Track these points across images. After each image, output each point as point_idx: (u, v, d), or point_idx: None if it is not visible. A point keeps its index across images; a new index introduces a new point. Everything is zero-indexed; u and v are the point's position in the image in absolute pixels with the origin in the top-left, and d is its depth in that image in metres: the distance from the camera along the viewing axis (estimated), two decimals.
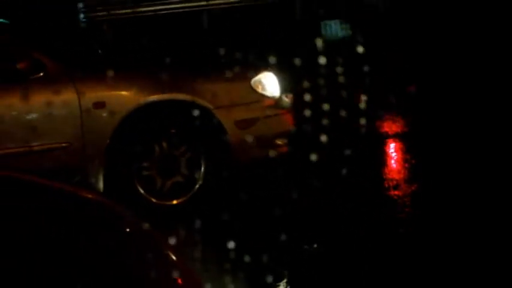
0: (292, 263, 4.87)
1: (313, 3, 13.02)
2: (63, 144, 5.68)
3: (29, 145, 5.63)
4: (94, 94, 5.73)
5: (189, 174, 5.85)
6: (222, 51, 6.58)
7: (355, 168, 6.59)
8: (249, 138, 5.82)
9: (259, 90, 6.01)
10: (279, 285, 4.58)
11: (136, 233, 2.56)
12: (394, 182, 6.33)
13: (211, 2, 12.72)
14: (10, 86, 5.69)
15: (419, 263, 4.77)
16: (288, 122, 6.10)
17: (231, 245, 4.62)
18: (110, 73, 5.79)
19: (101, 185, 5.65)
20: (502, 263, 4.68)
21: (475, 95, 9.07)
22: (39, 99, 5.65)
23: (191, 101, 5.81)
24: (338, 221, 5.60)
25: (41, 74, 5.71)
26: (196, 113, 5.77)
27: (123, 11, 12.25)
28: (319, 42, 10.22)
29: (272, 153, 5.91)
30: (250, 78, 6.01)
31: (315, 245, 5.16)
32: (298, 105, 6.65)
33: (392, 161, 7.39)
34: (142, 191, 5.77)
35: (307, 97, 7.00)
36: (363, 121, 7.46)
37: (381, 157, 7.41)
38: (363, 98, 8.18)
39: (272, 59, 6.49)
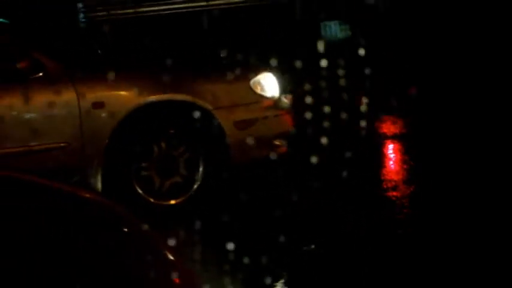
0: (291, 264, 4.87)
1: (313, 4, 13.02)
2: (62, 144, 5.68)
3: (28, 145, 5.63)
4: (93, 94, 5.73)
5: (188, 174, 5.85)
6: (221, 51, 6.58)
7: (355, 169, 6.59)
8: (248, 139, 5.82)
9: (259, 91, 6.01)
10: (277, 286, 4.58)
11: (135, 233, 2.56)
12: (394, 183, 6.33)
13: (211, 3, 12.71)
14: (10, 85, 5.68)
15: (418, 263, 4.77)
16: (287, 122, 6.10)
17: (230, 245, 4.62)
18: (110, 73, 5.79)
19: (99, 185, 5.65)
20: (501, 263, 4.68)
21: (475, 96, 9.07)
22: (39, 99, 5.65)
23: (190, 101, 5.81)
24: (337, 222, 5.61)
25: (41, 74, 5.71)
26: (195, 113, 5.77)
27: (123, 11, 12.24)
28: (320, 44, 10.21)
29: (271, 154, 5.91)
30: (250, 79, 6.01)
31: (313, 246, 5.16)
32: (297, 106, 6.65)
33: (392, 163, 7.39)
34: (140, 191, 5.77)
35: (307, 98, 6.99)
36: (362, 122, 7.46)
37: (380, 158, 7.41)
38: (364, 99, 8.18)
39: (272, 60, 6.49)
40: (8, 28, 6.17)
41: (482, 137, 7.50)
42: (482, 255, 4.80)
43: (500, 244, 4.94)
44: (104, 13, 12.25)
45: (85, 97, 5.69)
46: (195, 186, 5.84)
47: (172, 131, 5.84)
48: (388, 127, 8.39)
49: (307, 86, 7.56)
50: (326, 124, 6.60)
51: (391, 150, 7.80)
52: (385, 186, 6.26)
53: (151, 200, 5.79)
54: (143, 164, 5.80)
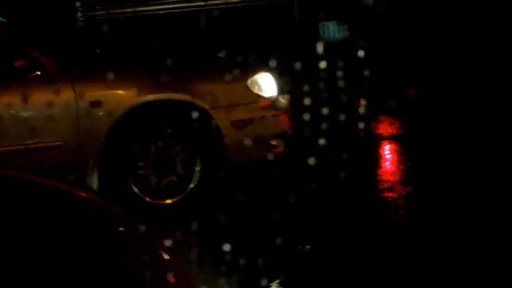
0: (287, 265, 4.86)
1: (311, 4, 13.01)
2: (59, 143, 5.68)
3: (25, 143, 5.63)
4: (91, 93, 5.73)
5: (184, 173, 5.86)
6: (219, 51, 6.57)
7: (351, 170, 6.59)
8: (245, 139, 5.82)
9: (256, 90, 6.01)
10: (273, 287, 4.58)
11: (131, 232, 2.56)
12: (390, 184, 6.33)
13: (209, 2, 12.70)
14: (7, 84, 5.68)
15: (414, 264, 4.77)
16: (284, 122, 6.10)
17: (225, 246, 4.62)
18: (107, 72, 5.79)
19: (95, 183, 5.65)
20: (497, 263, 4.69)
21: (472, 96, 9.07)
22: (36, 97, 5.65)
23: (187, 100, 5.81)
24: (334, 223, 5.60)
25: (39, 72, 5.71)
26: (192, 113, 5.77)
27: (122, 10, 12.23)
28: (318, 44, 10.21)
29: (268, 153, 5.90)
30: (247, 79, 6.01)
31: (308, 246, 5.16)
32: (294, 106, 6.65)
33: (388, 163, 7.39)
34: (136, 190, 5.77)
35: (304, 99, 6.99)
36: (360, 123, 7.46)
37: (377, 159, 7.41)
38: (362, 101, 8.18)
39: (269, 60, 6.49)
40: (6, 26, 6.17)
41: (479, 137, 7.50)
42: (478, 255, 4.80)
43: (497, 244, 4.95)
44: (103, 12, 12.24)
45: (82, 96, 5.69)
46: (192, 186, 5.85)
47: (169, 130, 5.84)
48: (385, 128, 8.39)
49: (304, 87, 7.55)
50: (323, 125, 6.60)
51: (387, 151, 7.80)
52: (381, 187, 6.26)
53: (147, 199, 5.79)
54: (140, 163, 5.80)
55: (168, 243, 2.56)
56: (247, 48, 7.46)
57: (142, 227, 2.55)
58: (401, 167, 6.98)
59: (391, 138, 7.98)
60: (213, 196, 5.85)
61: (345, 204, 5.93)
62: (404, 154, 7.42)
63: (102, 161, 5.68)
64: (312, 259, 5.00)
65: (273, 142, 5.96)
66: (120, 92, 5.82)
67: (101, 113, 5.69)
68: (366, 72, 8.11)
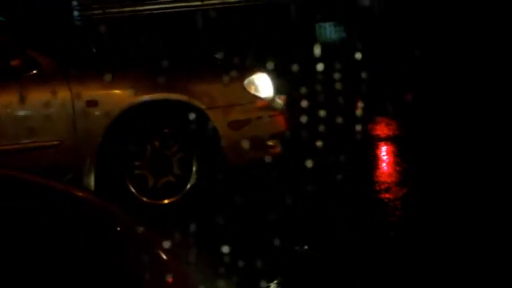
0: (285, 266, 4.86)
1: (308, 5, 13.00)
2: (55, 142, 5.67)
3: (21, 142, 5.62)
4: (87, 92, 5.72)
5: (181, 174, 5.85)
6: (215, 51, 6.57)
7: (348, 171, 6.59)
8: (242, 139, 5.81)
9: (252, 91, 6.01)
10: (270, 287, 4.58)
11: (128, 232, 2.55)
12: (387, 185, 6.34)
13: (205, 2, 12.70)
14: (4, 83, 5.67)
15: (411, 265, 4.77)
16: (280, 123, 6.10)
17: (222, 246, 4.61)
18: (104, 72, 5.79)
19: (92, 183, 5.64)
20: (494, 264, 4.69)
21: (469, 97, 9.08)
22: (33, 96, 5.64)
23: (184, 101, 5.80)
24: (331, 224, 5.60)
25: (35, 71, 5.70)
26: (189, 113, 5.77)
27: (119, 10, 12.22)
28: (315, 45, 10.21)
29: (265, 154, 5.90)
30: (244, 79, 6.01)
31: (306, 247, 5.16)
32: (291, 107, 6.64)
33: (385, 165, 7.39)
34: (133, 190, 5.77)
35: (301, 100, 6.99)
36: (356, 125, 7.46)
37: (374, 160, 7.41)
38: (359, 103, 8.18)
39: (266, 61, 6.49)
40: (3, 25, 6.16)
41: (476, 139, 7.51)
42: (475, 256, 4.80)
43: (495, 245, 4.95)
44: (99, 11, 12.24)
45: (79, 95, 5.68)
46: (189, 186, 5.84)
47: (166, 130, 5.84)
48: (382, 129, 8.39)
49: (301, 88, 7.55)
50: (320, 126, 6.60)
51: (384, 152, 7.80)
52: (378, 188, 6.27)
53: (144, 199, 5.79)
54: (136, 163, 5.80)
55: (166, 243, 2.56)
56: (244, 49, 7.46)
57: (140, 227, 2.55)
58: (398, 168, 6.99)
59: (387, 140, 7.98)
60: (210, 196, 5.85)
61: (342, 205, 5.93)
62: (400, 155, 7.42)
63: (99, 161, 5.67)
64: (309, 260, 5.00)
65: (270, 143, 5.96)
66: (117, 91, 5.82)
67: (97, 113, 5.68)
68: (363, 74, 8.12)
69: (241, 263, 4.43)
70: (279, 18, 12.89)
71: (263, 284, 4.54)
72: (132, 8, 12.40)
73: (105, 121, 5.68)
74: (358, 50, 9.16)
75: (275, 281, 4.63)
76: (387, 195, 6.07)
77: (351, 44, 11.71)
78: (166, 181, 5.84)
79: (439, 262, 4.78)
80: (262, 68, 6.28)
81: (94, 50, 6.72)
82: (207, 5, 12.73)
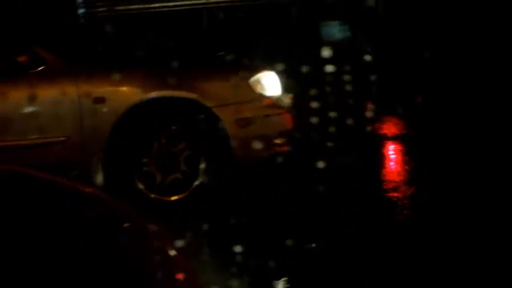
0: (292, 265, 4.84)
1: (312, 4, 13.00)
2: (62, 138, 5.68)
3: (28, 138, 5.63)
4: (94, 89, 5.72)
5: (189, 171, 5.85)
6: (223, 49, 6.56)
7: (357, 170, 6.59)
8: (249, 137, 5.81)
9: (259, 89, 6.01)
10: (277, 286, 4.56)
11: (136, 229, 2.54)
12: (395, 184, 6.33)
13: (210, 0, 12.69)
14: (11, 79, 5.68)
15: (420, 264, 4.76)
16: (287, 121, 6.09)
17: (229, 242, 4.61)
18: (111, 69, 5.79)
19: (99, 179, 5.63)
20: (503, 264, 4.67)
21: (477, 96, 9.07)
22: (39, 93, 5.65)
23: (191, 98, 5.80)
24: (338, 223, 5.58)
25: (42, 68, 5.70)
26: (196, 110, 5.77)
27: (124, 7, 12.22)
28: (320, 44, 10.19)
29: (272, 152, 5.90)
30: (250, 77, 6.01)
31: (313, 245, 5.14)
32: (298, 106, 6.63)
33: (393, 164, 7.38)
34: (141, 187, 5.77)
35: (307, 98, 6.98)
36: (364, 124, 7.46)
37: (382, 160, 7.40)
38: (368, 103, 8.17)
39: (272, 59, 6.48)
40: (9, 22, 6.17)
41: (484, 139, 7.50)
42: (484, 256, 4.79)
43: (503, 245, 4.93)
44: (104, 9, 12.23)
45: (86, 92, 5.68)
46: (196, 183, 5.84)
47: (174, 128, 5.83)
48: (390, 128, 8.39)
49: (307, 86, 7.54)
50: (327, 125, 6.59)
51: (392, 151, 7.79)
52: (386, 188, 6.26)
53: (152, 195, 5.78)
54: (144, 160, 5.80)
55: (174, 240, 2.54)
56: (251, 47, 7.45)
57: (148, 224, 2.54)
58: (407, 167, 6.97)
59: (395, 139, 7.97)
60: (217, 194, 5.84)
61: (350, 204, 5.91)
62: (409, 155, 7.41)
63: (106, 157, 5.67)
64: (317, 260, 4.98)
65: (277, 141, 5.95)
66: (124, 88, 5.82)
67: (104, 109, 5.68)
68: (370, 73, 8.11)
69: (248, 261, 4.43)
70: (284, 17, 12.88)
71: (268, 280, 4.53)
72: (137, 6, 12.40)
73: (112, 118, 5.68)
74: (364, 50, 9.16)
75: (280, 280, 4.61)
76: (395, 194, 6.06)
77: (356, 43, 11.70)
78: (174, 178, 5.83)
79: (448, 261, 4.76)
80: (269, 66, 6.27)
81: (100, 47, 6.72)
82: (213, 2, 12.71)
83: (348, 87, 7.93)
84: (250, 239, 5.05)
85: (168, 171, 5.82)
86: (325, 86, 7.61)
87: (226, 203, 5.82)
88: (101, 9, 12.34)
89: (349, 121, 7.06)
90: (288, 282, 4.57)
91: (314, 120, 6.55)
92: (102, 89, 5.74)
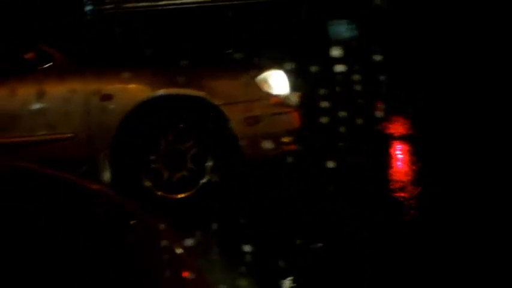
0: (296, 264, 4.83)
1: (320, 2, 12.99)
2: (69, 135, 5.67)
3: (35, 134, 5.62)
4: (101, 86, 5.72)
5: (196, 169, 5.84)
6: (230, 47, 6.56)
7: (364, 170, 6.58)
8: (256, 135, 5.80)
9: (267, 87, 6.01)
10: (282, 285, 4.55)
11: (143, 227, 2.52)
12: (402, 184, 6.31)
13: None
14: (18, 76, 5.68)
15: (426, 265, 4.74)
16: (295, 120, 6.09)
17: (234, 242, 4.60)
18: (119, 66, 5.79)
19: (106, 177, 5.62)
20: (507, 266, 4.66)
21: (485, 97, 9.04)
22: (46, 89, 5.65)
23: (199, 96, 5.79)
24: (345, 223, 5.57)
25: (49, 64, 5.70)
26: (203, 108, 5.76)
27: (132, 5, 12.23)
28: (328, 43, 10.19)
29: (279, 150, 5.89)
30: (258, 76, 6.00)
31: (320, 244, 5.13)
32: (306, 104, 6.62)
33: (400, 163, 7.37)
34: (148, 184, 5.76)
35: (315, 97, 6.97)
36: (371, 122, 7.44)
37: (389, 159, 7.39)
38: (377, 102, 8.16)
39: (280, 57, 6.47)
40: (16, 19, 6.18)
41: (492, 139, 7.48)
42: (490, 256, 4.77)
43: (507, 247, 4.92)
44: (112, 6, 12.24)
45: (93, 89, 5.68)
46: (203, 181, 5.83)
47: (181, 125, 5.83)
48: (397, 128, 8.37)
49: (315, 85, 7.53)
50: (334, 124, 6.58)
51: (399, 151, 7.77)
52: (393, 187, 6.24)
53: (159, 193, 5.78)
54: (151, 157, 5.79)
55: (182, 239, 2.53)
56: (259, 45, 7.44)
57: (154, 222, 2.52)
58: (414, 167, 6.96)
59: (402, 139, 7.95)
60: (224, 192, 5.83)
61: (357, 204, 5.90)
62: (416, 154, 7.40)
63: (113, 154, 5.66)
64: (322, 258, 4.97)
65: (284, 139, 5.94)
66: (132, 86, 5.81)
67: (111, 106, 5.68)
68: (377, 72, 8.09)
69: (255, 261, 4.42)
70: (292, 15, 12.88)
71: (278, 281, 4.52)
72: (144, 4, 12.40)
73: (120, 115, 5.68)
74: (371, 48, 9.14)
75: (287, 279, 4.60)
76: (402, 194, 6.05)
77: (363, 42, 11.68)
78: (180, 176, 5.83)
79: (454, 262, 4.75)
80: (276, 64, 6.27)
81: (109, 45, 6.72)
82: (220, 1, 12.71)
83: (355, 86, 7.92)
84: (257, 238, 5.04)
85: (175, 168, 5.81)
86: (332, 84, 7.60)
87: (233, 201, 5.81)
88: (108, 7, 12.34)
89: (357, 120, 7.05)
90: (294, 281, 4.56)
91: (321, 119, 6.53)
92: (109, 86, 5.74)
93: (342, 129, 6.61)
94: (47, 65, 5.70)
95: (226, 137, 5.80)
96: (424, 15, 12.33)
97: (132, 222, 2.52)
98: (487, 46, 11.01)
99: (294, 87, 6.20)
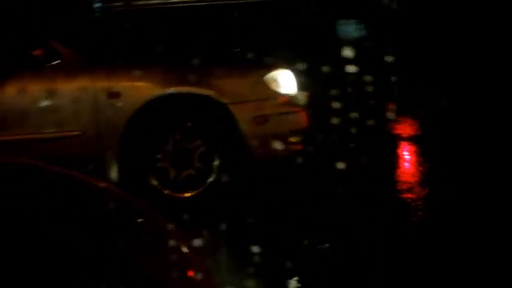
0: (305, 263, 4.83)
1: (328, 2, 12.98)
2: (77, 133, 5.67)
3: (43, 132, 5.62)
4: (109, 84, 5.72)
5: (203, 167, 5.84)
6: (239, 47, 6.55)
7: (372, 170, 6.57)
8: (264, 135, 5.80)
9: (275, 87, 6.00)
10: (289, 285, 4.55)
11: (149, 225, 2.52)
12: (410, 185, 6.31)
13: None
14: (26, 73, 5.68)
15: (433, 266, 4.74)
16: (302, 119, 6.08)
17: (241, 241, 4.60)
18: (127, 64, 5.79)
19: (114, 174, 5.63)
20: None
21: (495, 99, 9.02)
22: (55, 87, 5.65)
23: (207, 95, 5.79)
24: (353, 224, 5.57)
25: (58, 62, 5.71)
26: (211, 107, 5.76)
27: (142, 2, 12.23)
28: (337, 43, 10.17)
29: (286, 150, 5.88)
30: (266, 75, 6.00)
31: (327, 245, 5.12)
32: (313, 104, 6.62)
33: (408, 164, 7.36)
34: (155, 182, 5.76)
35: (323, 97, 6.97)
36: (379, 123, 7.43)
37: (397, 160, 7.38)
38: (389, 104, 8.15)
39: (288, 56, 6.47)
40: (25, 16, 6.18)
41: (500, 141, 7.46)
42: (497, 258, 4.76)
43: None
44: (121, 3, 12.24)
45: (101, 86, 5.68)
46: (210, 180, 5.82)
47: (189, 124, 5.82)
48: (405, 128, 8.36)
49: (323, 85, 7.52)
50: (342, 125, 6.57)
51: (407, 152, 7.76)
52: (401, 188, 6.24)
53: (166, 191, 5.77)
54: (158, 156, 5.79)
55: (189, 238, 2.53)
56: (266, 44, 7.44)
57: (163, 221, 2.52)
58: (421, 168, 6.95)
59: (410, 140, 7.94)
60: (232, 191, 5.83)
61: (365, 205, 5.89)
62: (423, 155, 7.39)
63: (120, 152, 5.66)
64: (329, 259, 4.97)
65: (292, 139, 5.94)
66: (140, 84, 5.81)
67: (119, 104, 5.68)
68: (386, 72, 8.08)
69: (260, 260, 4.41)
70: (300, 15, 12.87)
71: (280, 279, 4.52)
72: (153, 1, 12.41)
73: (127, 113, 5.68)
74: (380, 48, 9.13)
75: (293, 280, 4.60)
76: (410, 195, 6.04)
77: (371, 41, 11.66)
78: (187, 174, 5.82)
79: (461, 263, 4.74)
80: (284, 64, 6.26)
81: (117, 42, 6.71)
82: None
83: (365, 87, 7.90)
84: (265, 238, 5.04)
85: (182, 167, 5.81)
86: (340, 84, 7.58)
87: (241, 201, 5.81)
88: (117, 4, 12.35)
89: (365, 121, 7.04)
90: (301, 282, 4.55)
91: (329, 119, 6.52)
92: (117, 84, 5.73)
93: (351, 129, 6.60)
94: (55, 62, 5.70)
95: (234, 136, 5.80)
96: (435, 15, 12.30)
97: (139, 220, 2.52)
98: (497, 47, 10.97)
99: (302, 86, 6.19)
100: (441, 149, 7.52)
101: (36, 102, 5.63)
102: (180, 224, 2.66)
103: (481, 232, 5.25)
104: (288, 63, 6.32)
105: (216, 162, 5.82)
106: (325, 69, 7.62)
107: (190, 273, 2.28)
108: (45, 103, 5.63)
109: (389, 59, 9.01)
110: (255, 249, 4.53)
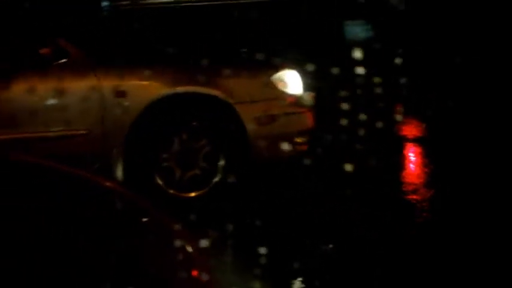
0: (308, 264, 4.83)
1: (335, 3, 12.97)
2: (83, 131, 5.68)
3: (49, 130, 5.63)
4: (116, 83, 5.72)
5: (208, 167, 5.84)
6: (245, 46, 6.55)
7: (378, 171, 6.57)
8: (269, 135, 5.80)
9: (281, 87, 6.00)
10: (292, 285, 4.55)
11: (155, 225, 2.53)
12: (415, 187, 6.30)
13: None
14: (33, 71, 5.68)
15: (436, 267, 4.73)
16: (308, 120, 6.08)
17: (245, 242, 4.60)
18: (133, 63, 5.80)
19: (119, 173, 5.63)
20: None
21: (500, 101, 9.01)
22: (61, 85, 5.65)
23: (213, 95, 5.79)
24: (356, 225, 5.57)
25: (64, 60, 5.71)
26: (217, 107, 5.76)
27: (148, 1, 12.24)
28: (345, 44, 10.17)
29: (292, 150, 5.88)
30: (272, 75, 6.00)
31: (331, 245, 5.12)
32: (319, 104, 6.61)
33: (413, 166, 7.35)
34: (160, 182, 5.76)
35: (329, 97, 6.97)
36: (385, 124, 7.42)
37: (402, 161, 7.37)
38: (397, 105, 8.14)
39: (295, 57, 6.47)
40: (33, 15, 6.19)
41: (506, 142, 7.45)
42: (501, 259, 4.76)
43: None
44: (128, 2, 12.24)
45: (107, 85, 5.69)
46: (216, 180, 5.83)
47: (194, 124, 5.83)
48: (410, 130, 8.35)
49: (330, 86, 7.52)
50: (348, 125, 6.57)
51: (412, 153, 7.76)
52: (406, 190, 6.23)
53: (171, 191, 5.78)
54: (164, 155, 5.79)
55: (195, 239, 2.53)
56: (272, 44, 7.43)
57: (169, 221, 2.52)
58: (426, 169, 6.94)
59: (416, 141, 7.93)
60: (236, 191, 5.83)
61: (369, 206, 5.89)
62: (429, 157, 7.38)
63: (126, 151, 5.67)
64: (333, 259, 4.97)
65: (297, 139, 5.94)
66: (146, 83, 5.81)
67: (125, 103, 5.68)
68: (393, 73, 8.07)
69: (264, 260, 4.41)
70: (307, 15, 12.86)
71: (283, 279, 4.52)
72: (161, 0, 12.41)
73: (133, 112, 5.68)
74: (387, 49, 9.12)
75: (296, 280, 4.60)
76: (415, 197, 6.04)
77: (378, 42, 11.65)
78: (193, 174, 5.83)
79: (464, 264, 4.74)
80: (291, 64, 6.26)
81: (124, 41, 6.71)
82: None
83: (371, 87, 7.90)
84: (269, 238, 5.04)
85: (187, 167, 5.81)
86: (347, 85, 7.58)
87: (246, 201, 5.81)
88: (124, 3, 12.35)
89: (372, 122, 7.03)
90: (305, 282, 4.56)
91: (335, 120, 6.52)
92: (123, 83, 5.74)
93: (357, 130, 6.59)
94: (62, 61, 5.71)
95: (239, 136, 5.79)
96: (443, 16, 12.28)
97: (144, 220, 2.53)
98: (507, 48, 10.95)
99: (308, 87, 6.19)
100: (447, 151, 7.51)
101: (43, 101, 5.63)
102: (185, 224, 2.67)
103: (485, 234, 5.24)
104: (294, 64, 6.32)
105: (222, 162, 5.83)
106: (332, 70, 7.62)
107: (197, 275, 2.28)
108: (52, 101, 5.63)
109: (396, 60, 9.01)
110: (259, 249, 4.53)
